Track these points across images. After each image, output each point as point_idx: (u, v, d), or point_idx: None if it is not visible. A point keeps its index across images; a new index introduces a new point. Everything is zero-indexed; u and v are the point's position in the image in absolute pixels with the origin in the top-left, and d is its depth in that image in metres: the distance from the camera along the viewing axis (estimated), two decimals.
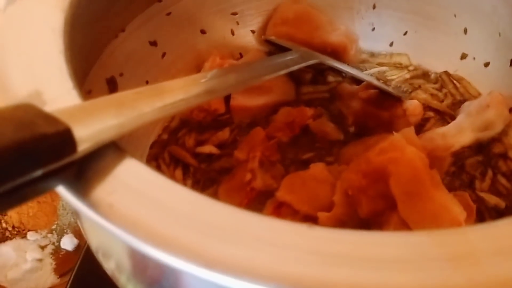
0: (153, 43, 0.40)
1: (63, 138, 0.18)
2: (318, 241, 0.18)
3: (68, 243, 0.45)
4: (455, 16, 0.42)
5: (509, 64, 0.40)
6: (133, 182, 0.19)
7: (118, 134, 0.20)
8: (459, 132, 0.35)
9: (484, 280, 0.16)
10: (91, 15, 0.30)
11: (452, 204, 0.30)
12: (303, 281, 0.17)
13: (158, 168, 0.39)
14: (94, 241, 0.28)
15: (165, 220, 0.18)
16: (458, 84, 0.43)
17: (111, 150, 0.20)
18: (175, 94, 0.24)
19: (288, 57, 0.36)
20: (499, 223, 0.18)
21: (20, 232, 0.45)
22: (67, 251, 0.45)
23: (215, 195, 0.36)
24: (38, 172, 0.17)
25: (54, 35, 0.25)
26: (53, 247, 0.45)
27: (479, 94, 0.42)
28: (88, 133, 0.19)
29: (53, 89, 0.22)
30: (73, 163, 0.18)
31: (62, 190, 0.19)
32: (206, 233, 0.18)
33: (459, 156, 0.36)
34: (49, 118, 0.18)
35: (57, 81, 0.23)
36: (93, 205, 0.19)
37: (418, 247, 0.17)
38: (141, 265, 0.25)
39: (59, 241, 0.45)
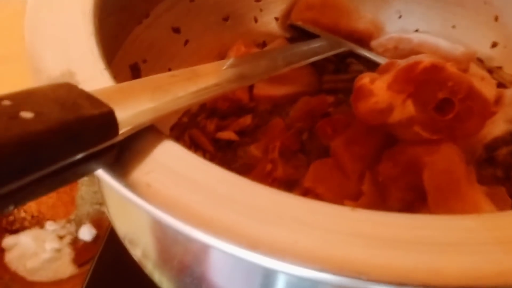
0: (176, 30, 0.39)
1: (107, 121, 0.17)
2: (362, 223, 0.17)
3: (86, 233, 0.45)
4: (485, 3, 0.42)
5: None
6: (171, 163, 0.19)
7: (154, 118, 0.20)
8: (491, 123, 0.34)
9: None
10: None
11: (485, 204, 0.29)
12: (348, 264, 0.16)
13: None
14: (122, 228, 0.28)
15: (204, 200, 0.18)
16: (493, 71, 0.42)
17: (148, 132, 0.20)
18: (209, 78, 0.24)
19: (317, 44, 0.35)
20: None
21: (38, 222, 0.45)
22: (86, 241, 0.44)
23: None
24: (81, 155, 0.16)
25: (84, 18, 0.24)
26: (71, 237, 0.45)
27: None
28: (127, 115, 0.18)
29: (85, 70, 0.22)
30: (113, 146, 0.18)
31: (100, 173, 0.19)
32: (247, 214, 0.17)
33: (492, 147, 0.36)
34: (92, 99, 0.17)
35: (89, 62, 0.22)
36: (131, 186, 0.18)
37: (467, 231, 0.17)
38: (169, 251, 0.25)
39: (77, 231, 0.45)
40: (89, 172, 0.18)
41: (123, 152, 0.19)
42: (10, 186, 0.15)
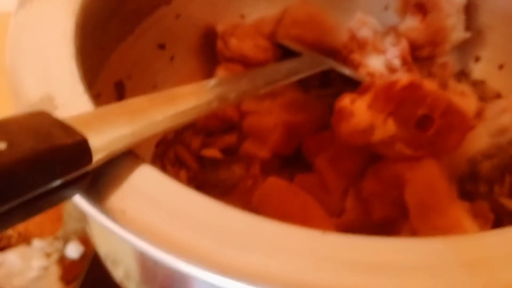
0: (162, 46, 0.39)
1: (80, 149, 0.17)
2: (332, 247, 0.18)
3: (73, 250, 0.44)
4: (468, 18, 0.42)
5: None
6: (146, 189, 0.19)
7: (131, 143, 0.20)
8: (474, 137, 0.34)
9: (499, 285, 0.16)
10: (101, 18, 0.30)
11: (465, 220, 0.29)
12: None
13: (163, 167, 0.38)
14: (103, 249, 0.28)
15: (178, 226, 0.18)
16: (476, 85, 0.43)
17: (125, 157, 0.20)
18: (187, 101, 0.24)
19: (298, 63, 0.36)
20: None
21: (25, 239, 0.45)
22: (73, 259, 0.44)
23: None
24: (55, 183, 0.17)
25: (65, 39, 0.25)
26: (58, 254, 0.44)
27: (498, 94, 0.42)
28: (102, 142, 0.19)
29: (64, 93, 0.22)
30: (87, 173, 0.18)
31: (76, 199, 0.19)
32: (220, 239, 0.18)
33: (475, 162, 0.36)
34: (66, 128, 0.17)
35: (69, 86, 0.23)
36: (106, 212, 0.18)
37: (434, 253, 0.17)
38: (151, 273, 0.25)
39: (64, 248, 0.45)
40: (64, 199, 0.18)
41: (99, 177, 0.19)
42: None
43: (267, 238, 0.18)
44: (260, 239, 0.18)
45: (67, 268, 0.43)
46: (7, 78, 0.23)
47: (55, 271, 0.43)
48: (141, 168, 0.20)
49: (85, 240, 0.45)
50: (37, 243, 0.45)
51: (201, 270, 0.17)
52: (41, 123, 0.17)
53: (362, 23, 0.39)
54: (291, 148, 0.37)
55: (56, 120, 0.18)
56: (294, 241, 0.18)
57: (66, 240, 0.45)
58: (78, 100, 0.22)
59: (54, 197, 0.17)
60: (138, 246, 0.18)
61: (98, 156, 0.18)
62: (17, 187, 0.16)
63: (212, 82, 0.27)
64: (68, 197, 0.18)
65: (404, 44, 0.39)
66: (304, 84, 0.42)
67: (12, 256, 0.43)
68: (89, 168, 0.18)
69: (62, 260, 0.44)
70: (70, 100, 0.22)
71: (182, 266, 0.17)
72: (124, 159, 0.20)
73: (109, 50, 0.34)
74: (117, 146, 0.19)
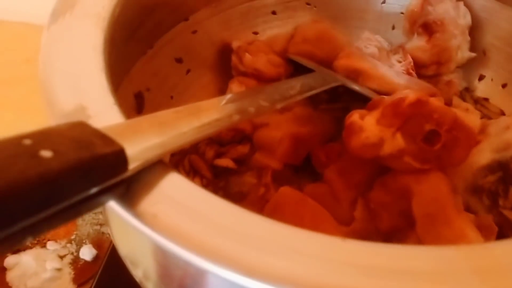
0: (179, 60, 0.41)
1: (118, 158, 0.19)
2: (352, 253, 0.19)
3: (87, 253, 0.45)
4: (473, 38, 0.44)
5: None
6: (176, 195, 0.20)
7: (161, 153, 0.21)
8: (478, 152, 0.36)
9: None
10: (126, 33, 0.31)
11: (471, 231, 0.30)
12: None
13: None
14: (124, 250, 0.29)
15: (205, 229, 0.19)
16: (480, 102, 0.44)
17: (155, 165, 0.21)
18: (211, 114, 0.25)
19: (313, 79, 0.37)
20: None
21: (40, 242, 0.46)
22: (86, 261, 0.45)
23: None
24: (93, 190, 0.18)
25: (95, 53, 0.26)
26: (72, 257, 0.45)
27: (501, 111, 0.43)
28: (137, 152, 0.20)
29: (96, 104, 0.23)
30: (123, 181, 0.19)
31: (111, 204, 0.20)
32: (245, 243, 0.19)
33: (479, 176, 0.37)
34: (104, 138, 0.19)
35: (100, 97, 0.24)
36: (138, 216, 0.20)
37: (448, 261, 0.18)
38: (168, 274, 0.26)
39: (78, 251, 0.46)
40: (100, 205, 0.19)
41: (132, 184, 0.20)
42: (29, 220, 0.16)
43: (290, 243, 0.19)
44: (283, 243, 0.19)
45: (80, 270, 0.44)
46: (41, 89, 0.25)
47: (68, 273, 0.44)
48: (170, 176, 0.21)
49: (98, 243, 0.46)
50: (51, 245, 0.46)
51: (227, 271, 0.18)
52: (81, 133, 0.18)
53: (370, 41, 0.41)
54: (299, 159, 0.39)
55: (95, 130, 0.19)
56: (316, 247, 0.18)
57: (79, 243, 0.46)
58: (109, 110, 0.23)
59: (92, 203, 0.18)
60: (168, 248, 0.19)
61: (133, 165, 0.19)
62: (61, 193, 0.17)
63: (232, 97, 0.28)
64: (104, 203, 0.19)
65: (409, 60, 0.41)
66: (313, 99, 0.43)
67: (27, 258, 0.44)
68: (125, 176, 0.19)
69: (75, 263, 0.45)
70: (101, 111, 0.23)
71: (210, 267, 0.18)
72: (155, 168, 0.21)
73: (130, 63, 0.35)
74: (149, 155, 0.20)
